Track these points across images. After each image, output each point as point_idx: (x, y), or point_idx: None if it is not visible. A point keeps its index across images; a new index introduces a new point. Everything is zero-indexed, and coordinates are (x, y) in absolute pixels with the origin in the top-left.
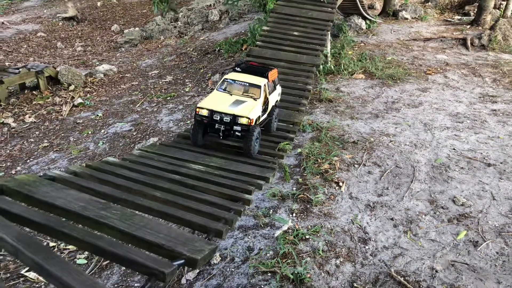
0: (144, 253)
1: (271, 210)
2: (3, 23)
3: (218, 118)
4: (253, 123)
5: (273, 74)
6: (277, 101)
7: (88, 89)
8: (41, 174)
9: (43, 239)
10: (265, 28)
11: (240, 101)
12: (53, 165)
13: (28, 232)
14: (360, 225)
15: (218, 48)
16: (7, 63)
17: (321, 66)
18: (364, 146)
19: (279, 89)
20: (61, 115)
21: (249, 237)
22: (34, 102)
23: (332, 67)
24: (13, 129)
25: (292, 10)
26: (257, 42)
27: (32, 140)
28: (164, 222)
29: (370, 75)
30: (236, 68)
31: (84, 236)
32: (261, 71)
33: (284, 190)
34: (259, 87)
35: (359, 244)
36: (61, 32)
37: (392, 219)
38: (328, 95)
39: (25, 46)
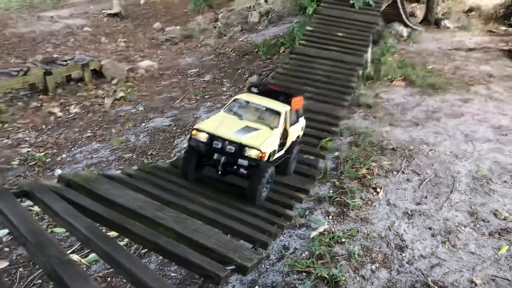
0: (199, 255)
1: (307, 211)
2: (52, 17)
3: (219, 146)
4: (266, 159)
5: (298, 102)
6: (299, 136)
7: (130, 83)
8: (101, 173)
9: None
10: (308, 28)
11: (252, 128)
12: (96, 155)
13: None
14: (397, 232)
15: (257, 49)
16: (55, 55)
17: (360, 72)
18: (403, 154)
19: (302, 122)
20: (104, 107)
21: (285, 236)
22: (78, 94)
23: (372, 72)
24: (59, 118)
25: (336, 12)
26: (301, 41)
27: (76, 129)
28: (213, 229)
29: (410, 83)
30: (252, 88)
31: (144, 233)
32: (283, 97)
33: (321, 192)
34: (278, 114)
35: (396, 251)
36: (106, 27)
37: (430, 228)
38: (367, 100)
39: (72, 39)
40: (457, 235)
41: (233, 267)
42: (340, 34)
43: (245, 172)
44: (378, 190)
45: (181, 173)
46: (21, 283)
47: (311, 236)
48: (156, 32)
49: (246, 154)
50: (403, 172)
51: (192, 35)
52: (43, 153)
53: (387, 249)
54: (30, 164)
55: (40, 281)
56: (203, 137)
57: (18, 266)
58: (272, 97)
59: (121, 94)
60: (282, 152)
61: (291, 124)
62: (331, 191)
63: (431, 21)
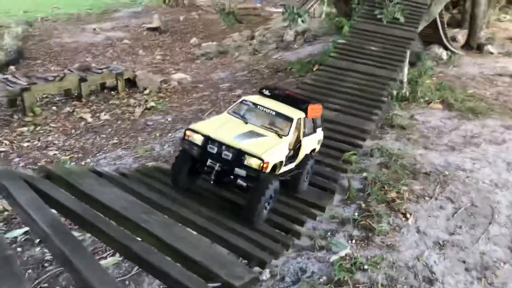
0: (178, 267)
1: (329, 233)
2: (95, 29)
3: (215, 151)
4: (268, 170)
5: (316, 110)
6: (314, 150)
7: (162, 94)
8: (90, 168)
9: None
10: (341, 41)
11: (256, 133)
12: (119, 161)
13: (64, 220)
14: (426, 263)
15: (290, 67)
16: (93, 65)
17: (395, 92)
18: (437, 179)
19: (320, 134)
20: (134, 116)
21: (303, 257)
22: (111, 102)
23: (407, 93)
24: (89, 124)
25: (371, 26)
26: (332, 54)
27: (104, 136)
28: (205, 239)
29: (448, 106)
30: (264, 91)
31: (119, 236)
32: (299, 102)
33: (345, 213)
34: (290, 120)
35: (424, 283)
36: (144, 41)
37: (464, 262)
38: (400, 121)
39: (111, 51)
40: (495, 272)
41: (218, 284)
42: (373, 48)
43: (244, 184)
44: (408, 216)
45: (171, 179)
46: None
47: (331, 260)
48: (192, 47)
49: (245, 163)
50: (436, 199)
51: (227, 51)
52: (68, 157)
53: (414, 281)
54: None
55: (46, 284)
56: (197, 139)
57: (27, 267)
58: (286, 102)
59: (152, 104)
60: (293, 165)
61: (306, 134)
62: (356, 214)
63: (473, 46)
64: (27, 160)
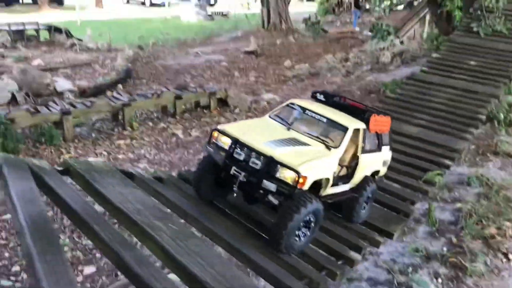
0: (173, 286)
1: (411, 268)
2: (197, 52)
3: (241, 158)
4: (305, 187)
5: (381, 122)
6: (377, 172)
7: (250, 114)
8: (120, 168)
9: None
10: (435, 55)
11: (297, 141)
12: None
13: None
14: None
15: (383, 88)
16: (191, 85)
17: (501, 115)
18: None
19: (386, 154)
20: None
21: None
22: (202, 119)
23: None
24: (179, 140)
25: (472, 40)
26: (423, 68)
27: (191, 151)
28: (225, 258)
29: None
30: (318, 95)
31: (112, 241)
32: (360, 112)
33: (431, 247)
34: (344, 129)
35: None
36: (240, 63)
37: None
38: (507, 148)
39: (209, 72)
40: None
41: None
42: (472, 62)
43: (274, 201)
44: (510, 257)
45: (193, 189)
46: None
47: None
48: (286, 69)
49: (276, 176)
50: None
51: (319, 73)
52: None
53: None
54: None
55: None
56: (225, 142)
57: (102, 274)
58: (344, 110)
59: None
60: (346, 188)
61: (366, 151)
62: (445, 249)
63: None
64: None
